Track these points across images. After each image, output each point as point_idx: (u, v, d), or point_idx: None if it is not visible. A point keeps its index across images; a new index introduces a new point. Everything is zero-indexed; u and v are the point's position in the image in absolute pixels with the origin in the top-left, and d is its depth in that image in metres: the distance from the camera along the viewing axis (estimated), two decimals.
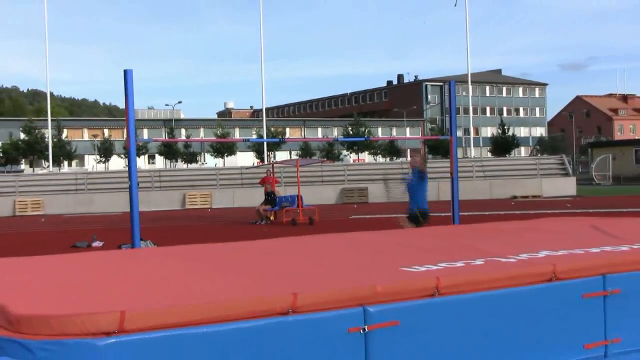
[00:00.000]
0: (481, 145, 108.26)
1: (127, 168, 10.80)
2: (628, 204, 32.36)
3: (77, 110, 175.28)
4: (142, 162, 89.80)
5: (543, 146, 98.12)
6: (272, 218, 27.85)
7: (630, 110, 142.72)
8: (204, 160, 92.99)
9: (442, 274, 5.79)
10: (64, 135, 79.26)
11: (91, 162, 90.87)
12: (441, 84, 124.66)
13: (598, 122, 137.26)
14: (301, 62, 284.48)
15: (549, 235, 8.71)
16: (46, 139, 65.34)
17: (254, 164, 62.95)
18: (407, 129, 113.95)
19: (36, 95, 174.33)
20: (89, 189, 43.59)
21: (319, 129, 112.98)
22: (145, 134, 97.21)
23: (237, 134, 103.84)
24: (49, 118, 57.27)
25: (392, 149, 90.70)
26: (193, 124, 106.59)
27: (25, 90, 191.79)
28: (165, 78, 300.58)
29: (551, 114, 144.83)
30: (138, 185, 10.20)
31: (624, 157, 66.82)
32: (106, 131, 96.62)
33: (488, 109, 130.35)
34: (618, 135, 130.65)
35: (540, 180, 46.04)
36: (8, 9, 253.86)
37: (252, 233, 22.50)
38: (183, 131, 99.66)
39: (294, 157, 78.84)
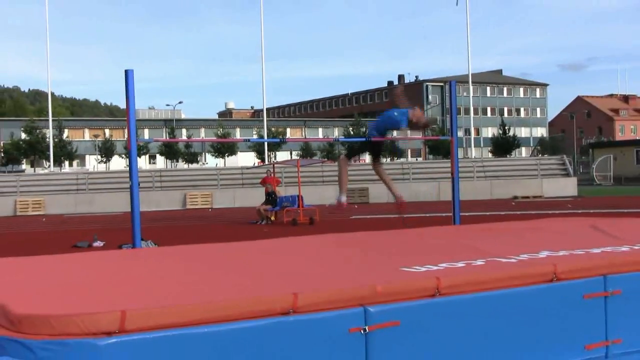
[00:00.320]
0: (482, 145, 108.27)
1: (128, 168, 10.80)
2: (629, 204, 32.36)
3: (78, 110, 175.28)
4: (143, 162, 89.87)
5: (544, 146, 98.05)
6: (272, 218, 27.85)
7: (632, 111, 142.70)
8: (205, 161, 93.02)
9: (443, 274, 5.79)
10: (65, 135, 79.22)
11: (92, 162, 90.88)
12: (442, 84, 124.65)
13: (599, 123, 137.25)
14: (302, 62, 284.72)
15: (549, 236, 8.71)
16: (47, 139, 65.37)
17: (254, 164, 62.92)
18: (408, 130, 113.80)
19: (37, 95, 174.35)
20: (89, 189, 43.61)
21: (320, 129, 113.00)
22: (146, 134, 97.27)
23: (237, 134, 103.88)
24: (50, 118, 57.29)
25: (392, 149, 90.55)
26: (194, 124, 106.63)
27: (27, 90, 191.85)
28: (166, 78, 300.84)
29: (552, 114, 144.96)
30: (139, 185, 10.19)
31: (625, 158, 66.84)
32: (107, 131, 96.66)
33: (489, 109, 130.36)
34: (619, 136, 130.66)
35: (541, 180, 46.05)
36: (9, 10, 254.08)
37: (253, 233, 22.50)
38: (184, 131, 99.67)
39: (294, 157, 78.81)
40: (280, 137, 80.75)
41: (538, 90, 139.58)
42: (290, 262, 6.99)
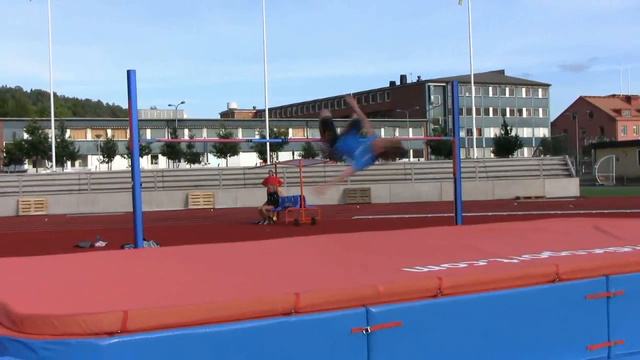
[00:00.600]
0: (484, 145, 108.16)
1: (130, 168, 10.79)
2: (631, 204, 32.32)
3: (80, 110, 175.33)
4: (145, 162, 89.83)
5: (546, 147, 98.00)
6: (274, 218, 27.84)
7: (634, 111, 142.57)
8: (207, 161, 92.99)
9: (445, 275, 5.79)
10: (67, 136, 79.30)
11: (94, 162, 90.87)
12: (444, 84, 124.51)
13: (601, 123, 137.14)
14: (304, 63, 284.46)
15: (551, 236, 8.70)
16: (49, 139, 65.41)
17: (256, 164, 62.89)
18: (410, 130, 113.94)
19: (40, 96, 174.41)
20: (92, 189, 43.61)
21: None
22: (148, 134, 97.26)
23: (240, 135, 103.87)
24: (52, 118, 57.31)
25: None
26: (196, 124, 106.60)
27: (29, 91, 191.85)
28: (168, 78, 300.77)
29: (554, 114, 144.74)
30: (141, 185, 10.21)
31: (627, 158, 66.76)
32: (109, 131, 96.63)
33: (491, 109, 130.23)
34: (621, 136, 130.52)
35: (543, 181, 46.01)
36: (11, 10, 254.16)
37: (255, 233, 22.50)
38: (186, 131, 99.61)
39: (296, 157, 78.80)
40: (283, 137, 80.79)
41: (540, 90, 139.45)
42: (292, 263, 6.99)
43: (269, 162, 55.04)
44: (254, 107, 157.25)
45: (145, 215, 11.03)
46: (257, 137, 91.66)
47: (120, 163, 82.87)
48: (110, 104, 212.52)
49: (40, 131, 75.14)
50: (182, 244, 10.95)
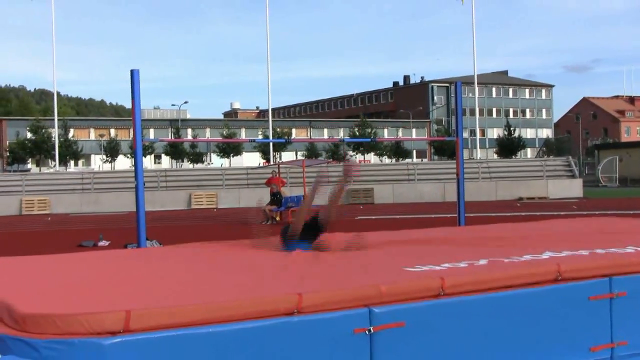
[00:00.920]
0: (487, 146, 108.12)
1: (133, 168, 10.78)
2: (634, 205, 32.28)
3: (83, 110, 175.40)
4: (148, 162, 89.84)
5: (549, 148, 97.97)
6: (277, 218, 27.84)
7: (637, 112, 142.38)
8: (210, 161, 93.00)
9: (447, 275, 5.78)
10: (70, 135, 79.30)
11: (97, 162, 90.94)
12: (447, 85, 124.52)
13: (605, 124, 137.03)
14: (307, 63, 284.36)
15: (553, 237, 8.70)
16: (53, 139, 65.43)
17: (259, 164, 62.90)
18: (413, 130, 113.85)
19: (43, 95, 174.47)
20: (95, 189, 43.64)
21: (325, 130, 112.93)
22: (151, 133, 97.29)
23: (243, 135, 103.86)
24: (56, 117, 57.40)
25: (398, 150, 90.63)
26: (199, 124, 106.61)
27: (33, 90, 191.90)
28: (172, 78, 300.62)
29: (557, 115, 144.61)
30: (144, 185, 10.21)
31: (631, 159, 66.64)
32: (112, 131, 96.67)
33: (494, 110, 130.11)
34: (625, 137, 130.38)
35: (547, 181, 45.98)
36: (15, 10, 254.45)
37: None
38: (189, 131, 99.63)
39: (299, 157, 78.81)
40: (286, 137, 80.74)
41: (543, 91, 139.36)
42: (295, 263, 6.99)
43: (272, 162, 55.00)
44: (257, 107, 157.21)
45: (148, 214, 11.03)
46: (260, 137, 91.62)
47: (123, 163, 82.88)
48: (114, 103, 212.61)
49: (43, 130, 75.18)
50: (184, 243, 10.95)
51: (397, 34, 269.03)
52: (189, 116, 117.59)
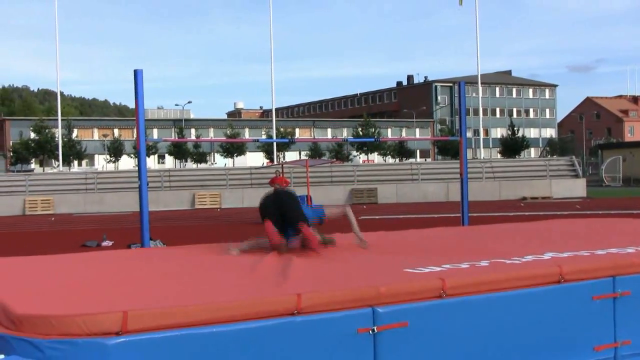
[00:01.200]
0: (491, 146, 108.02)
1: (136, 168, 10.78)
2: (638, 205, 32.24)
3: (87, 109, 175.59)
4: (151, 162, 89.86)
5: (553, 147, 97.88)
6: None
7: None
8: (214, 161, 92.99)
9: (447, 275, 5.78)
10: (74, 135, 79.36)
11: (101, 162, 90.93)
12: (451, 84, 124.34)
13: (608, 124, 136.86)
14: (311, 63, 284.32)
15: (555, 237, 8.70)
16: (56, 139, 65.46)
17: (263, 164, 62.89)
18: (417, 130, 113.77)
19: (47, 95, 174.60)
20: (98, 189, 43.66)
21: (329, 130, 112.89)
22: (155, 133, 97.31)
23: (246, 134, 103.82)
24: (59, 117, 57.40)
25: (401, 150, 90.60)
26: (203, 124, 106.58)
27: (36, 90, 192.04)
28: (175, 78, 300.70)
29: (561, 115, 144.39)
30: (148, 185, 10.20)
31: (634, 159, 66.53)
32: (116, 131, 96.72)
33: (498, 110, 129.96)
34: (628, 137, 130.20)
35: (550, 181, 45.94)
36: (18, 10, 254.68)
37: (260, 233, 22.46)
38: (193, 131, 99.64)
39: (303, 157, 78.77)
40: (289, 137, 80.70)
41: (547, 91, 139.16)
42: (297, 263, 7.00)
43: (275, 162, 55.01)
44: (260, 107, 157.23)
45: (151, 214, 11.03)
46: (264, 137, 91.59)
47: (127, 162, 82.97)
48: (117, 103, 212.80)
49: (47, 130, 75.22)
50: (188, 243, 10.95)
51: (401, 34, 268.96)
52: (192, 116, 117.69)
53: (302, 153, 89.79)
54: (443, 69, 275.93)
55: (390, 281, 5.61)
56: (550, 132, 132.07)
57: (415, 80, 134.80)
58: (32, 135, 77.79)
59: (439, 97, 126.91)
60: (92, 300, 5.15)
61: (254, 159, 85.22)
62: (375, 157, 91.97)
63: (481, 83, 62.55)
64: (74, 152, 74.68)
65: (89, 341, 4.42)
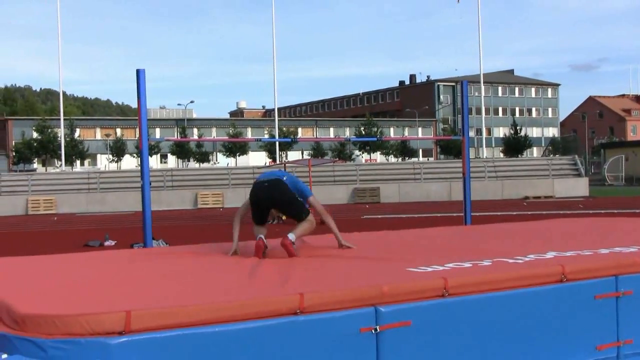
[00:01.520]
0: (493, 145, 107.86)
1: (139, 167, 10.78)
2: None
3: (89, 109, 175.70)
4: (154, 161, 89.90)
5: (555, 147, 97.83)
6: (283, 218, 27.83)
7: None
8: (216, 160, 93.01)
9: (450, 275, 5.78)
10: (76, 135, 79.46)
11: (103, 162, 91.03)
12: (453, 84, 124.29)
13: (611, 123, 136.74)
14: (313, 62, 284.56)
15: (557, 236, 8.70)
16: (59, 138, 65.57)
17: (266, 163, 62.93)
18: (419, 129, 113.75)
19: (49, 95, 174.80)
20: (101, 188, 43.70)
21: (331, 129, 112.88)
22: (157, 133, 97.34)
23: (249, 134, 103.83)
24: (62, 117, 57.48)
25: (404, 149, 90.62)
26: (205, 123, 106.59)
27: (38, 90, 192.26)
28: (178, 78, 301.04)
29: (563, 114, 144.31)
30: (150, 184, 10.20)
31: (637, 158, 66.50)
32: (118, 130, 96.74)
33: (500, 109, 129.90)
34: (631, 136, 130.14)
35: (553, 180, 45.95)
36: (21, 9, 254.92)
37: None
38: (195, 131, 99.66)
39: (305, 157, 78.77)
40: (292, 136, 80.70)
41: (550, 90, 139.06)
42: (300, 262, 7.00)
43: (278, 162, 55.03)
44: (263, 107, 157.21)
45: (154, 214, 11.03)
46: (266, 136, 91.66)
47: (129, 162, 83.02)
48: (120, 103, 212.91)
49: (49, 130, 75.32)
50: (191, 243, 10.95)
51: (403, 34, 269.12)
52: (195, 116, 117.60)
53: (305, 152, 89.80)
54: (445, 68, 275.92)
55: (393, 280, 5.61)
56: (552, 132, 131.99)
57: (418, 80, 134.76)
58: (35, 135, 77.91)
59: (441, 97, 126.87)
60: (95, 300, 5.15)
61: (257, 158, 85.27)
62: (378, 157, 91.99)
63: (483, 82, 62.54)
64: (77, 152, 74.80)
65: (92, 341, 4.43)
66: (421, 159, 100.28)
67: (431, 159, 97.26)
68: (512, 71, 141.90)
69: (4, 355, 4.47)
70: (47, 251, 12.89)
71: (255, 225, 7.92)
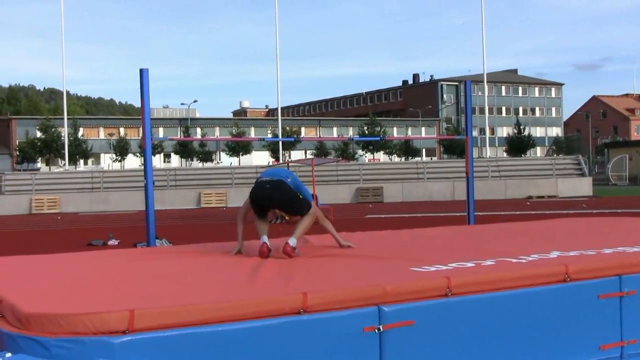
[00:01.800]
0: (497, 145, 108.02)
1: (142, 167, 10.80)
2: None
3: (93, 109, 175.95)
4: (157, 160, 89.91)
5: (559, 146, 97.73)
6: (286, 217, 27.84)
7: None
8: (220, 159, 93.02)
9: (453, 274, 5.78)
10: (80, 134, 79.52)
11: (107, 161, 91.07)
12: (457, 83, 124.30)
13: (614, 122, 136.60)
14: (316, 62, 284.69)
15: (561, 236, 8.69)
16: (62, 138, 65.58)
17: (269, 163, 62.95)
18: (423, 129, 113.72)
19: (52, 94, 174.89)
20: (104, 188, 43.74)
21: (334, 129, 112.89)
22: (160, 132, 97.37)
23: (252, 133, 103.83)
24: (65, 117, 57.55)
25: (407, 149, 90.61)
26: (208, 122, 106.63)
27: (42, 89, 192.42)
28: (181, 77, 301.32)
29: (567, 114, 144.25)
30: (154, 184, 10.21)
31: None
32: (122, 130, 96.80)
33: (504, 108, 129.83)
34: (635, 136, 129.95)
35: (556, 180, 45.89)
36: (25, 9, 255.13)
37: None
38: (198, 130, 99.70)
39: (309, 156, 78.75)
40: (295, 136, 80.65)
41: (553, 89, 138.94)
42: (303, 262, 7.00)
43: (281, 161, 55.03)
44: (266, 106, 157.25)
45: (157, 213, 11.04)
46: (269, 135, 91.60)
47: (132, 161, 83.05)
48: (123, 102, 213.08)
49: (53, 129, 75.43)
50: (194, 242, 10.95)
51: (406, 33, 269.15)
52: (198, 115, 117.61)
53: (308, 152, 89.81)
54: (448, 67, 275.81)
55: (396, 280, 5.61)
56: (556, 131, 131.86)
57: (421, 79, 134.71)
58: (38, 134, 78.03)
59: (444, 96, 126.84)
60: (99, 299, 5.15)
61: (260, 157, 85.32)
62: (381, 156, 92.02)
63: (487, 82, 62.49)
64: (80, 151, 74.86)
65: (96, 340, 4.43)
66: (424, 158, 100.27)
67: (434, 159, 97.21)
68: (515, 71, 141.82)
69: (8, 354, 4.47)
70: (50, 250, 12.90)
71: (258, 219, 7.91)
